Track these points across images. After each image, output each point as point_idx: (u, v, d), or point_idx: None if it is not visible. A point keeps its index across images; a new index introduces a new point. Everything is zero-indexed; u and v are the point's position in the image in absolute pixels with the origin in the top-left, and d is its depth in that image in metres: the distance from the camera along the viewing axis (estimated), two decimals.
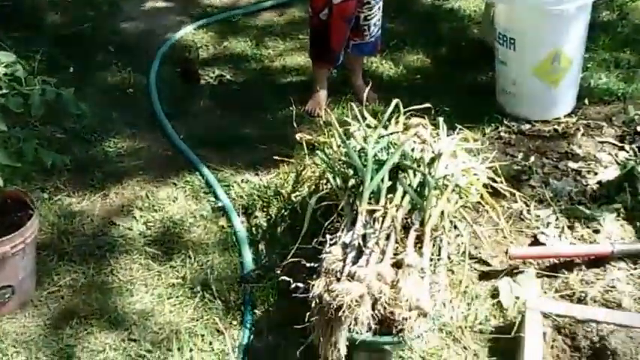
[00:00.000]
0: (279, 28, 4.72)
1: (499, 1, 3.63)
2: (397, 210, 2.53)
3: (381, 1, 3.78)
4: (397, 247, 2.43)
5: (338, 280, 2.31)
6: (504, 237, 2.98)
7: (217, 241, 3.09)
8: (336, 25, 3.69)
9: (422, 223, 2.53)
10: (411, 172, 2.78)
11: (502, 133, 3.61)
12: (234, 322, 2.72)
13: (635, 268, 2.76)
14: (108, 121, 3.86)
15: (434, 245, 2.53)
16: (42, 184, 3.39)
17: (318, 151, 3.14)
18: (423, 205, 2.56)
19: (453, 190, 2.81)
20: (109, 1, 4.99)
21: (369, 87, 3.70)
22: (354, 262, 2.37)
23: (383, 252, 2.38)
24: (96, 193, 3.38)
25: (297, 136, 3.35)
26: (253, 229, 3.15)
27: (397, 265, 2.35)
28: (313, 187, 3.20)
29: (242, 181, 3.41)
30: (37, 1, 4.87)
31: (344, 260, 2.39)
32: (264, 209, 3.24)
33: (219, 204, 3.28)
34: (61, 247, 3.09)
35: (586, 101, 3.78)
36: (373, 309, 2.23)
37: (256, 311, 2.74)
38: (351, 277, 2.28)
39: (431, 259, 2.44)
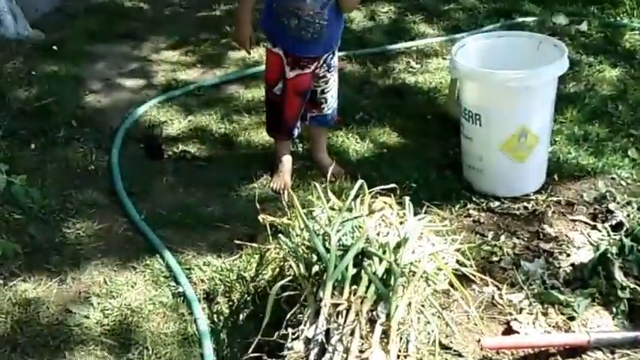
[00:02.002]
0: (244, 102, 4.64)
1: (463, 77, 3.58)
2: (362, 302, 2.43)
3: (336, 73, 3.76)
4: (362, 344, 2.32)
5: None
6: (476, 324, 2.88)
7: (177, 331, 2.96)
8: (291, 100, 3.67)
9: (388, 316, 2.42)
10: (376, 258, 2.68)
11: (471, 211, 3.54)
12: None
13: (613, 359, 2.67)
14: (68, 200, 3.74)
15: (401, 339, 2.43)
16: None
17: (280, 235, 3.05)
18: (389, 296, 2.46)
19: (421, 277, 2.72)
20: (73, 75, 4.91)
21: (333, 163, 3.64)
22: None
23: (347, 350, 2.27)
24: (52, 278, 3.25)
25: (260, 217, 3.26)
26: (215, 316, 3.02)
27: None
28: (277, 269, 3.10)
29: (204, 264, 3.30)
30: None
31: (306, 357, 2.28)
32: (227, 294, 3.12)
33: (180, 289, 3.16)
34: (15, 338, 2.94)
35: (555, 177, 3.72)
36: None
37: None
38: None
39: (398, 356, 2.33)
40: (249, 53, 3.83)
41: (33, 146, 4.14)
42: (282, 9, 3.48)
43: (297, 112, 3.73)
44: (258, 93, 4.70)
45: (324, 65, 3.65)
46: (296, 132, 3.83)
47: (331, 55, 3.67)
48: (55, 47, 5.14)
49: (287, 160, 3.87)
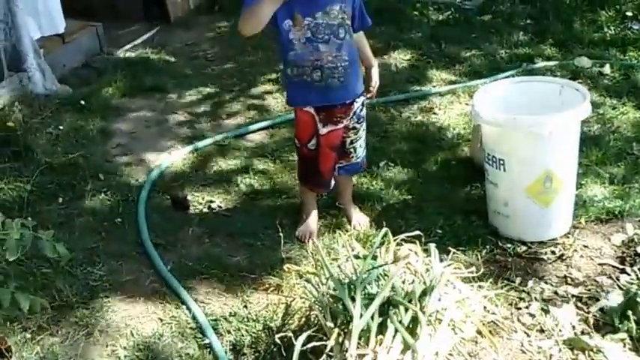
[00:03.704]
0: (269, 149, 4.68)
1: (486, 123, 3.58)
2: (388, 352, 2.42)
3: (365, 123, 3.77)
4: None
5: None
6: None
7: None
8: (324, 154, 3.68)
9: None
10: (402, 307, 2.67)
11: (497, 256, 3.52)
12: None
13: None
14: (95, 252, 3.76)
15: None
16: (25, 322, 3.26)
17: (306, 284, 3.05)
18: (415, 346, 2.44)
19: (448, 325, 2.70)
20: (100, 129, 4.97)
21: (358, 211, 3.64)
22: None
23: None
24: (80, 332, 3.26)
25: (286, 266, 3.27)
26: None
27: None
28: (303, 319, 3.09)
29: (230, 314, 3.29)
30: (27, 130, 4.86)
31: None
32: (253, 345, 3.11)
33: (207, 341, 3.15)
34: None
35: (582, 220, 3.70)
36: None
37: None
38: None
39: None
40: None
41: (60, 200, 4.18)
42: (300, 67, 3.47)
43: (332, 164, 3.75)
44: (282, 141, 4.74)
45: (354, 117, 3.66)
46: (332, 183, 3.85)
47: (361, 107, 3.68)
48: (82, 102, 5.21)
49: (312, 209, 3.88)
